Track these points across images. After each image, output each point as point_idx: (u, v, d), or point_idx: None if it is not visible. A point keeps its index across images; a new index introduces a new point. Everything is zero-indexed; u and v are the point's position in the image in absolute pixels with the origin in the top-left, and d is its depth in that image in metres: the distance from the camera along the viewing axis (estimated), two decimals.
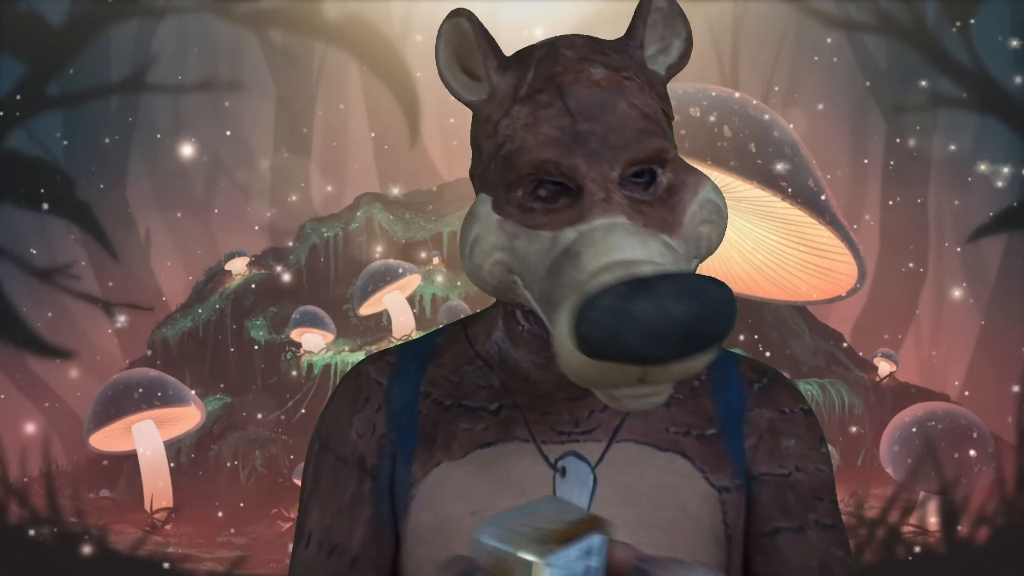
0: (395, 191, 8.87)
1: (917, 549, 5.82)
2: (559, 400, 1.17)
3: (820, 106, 9.00)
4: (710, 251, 1.13)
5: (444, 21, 1.17)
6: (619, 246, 1.00)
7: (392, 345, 1.30)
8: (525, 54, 1.16)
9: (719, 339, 0.94)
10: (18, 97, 8.46)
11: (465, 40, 1.15)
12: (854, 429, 7.52)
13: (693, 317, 0.92)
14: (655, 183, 1.09)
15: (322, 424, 1.26)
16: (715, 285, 0.94)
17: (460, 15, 1.15)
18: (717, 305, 0.93)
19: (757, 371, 1.26)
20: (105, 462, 7.06)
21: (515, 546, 0.82)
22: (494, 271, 1.10)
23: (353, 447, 1.21)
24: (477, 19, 1.15)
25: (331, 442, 1.23)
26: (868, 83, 9.30)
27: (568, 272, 1.00)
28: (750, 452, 1.20)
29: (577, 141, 1.06)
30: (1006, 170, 8.30)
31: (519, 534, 0.84)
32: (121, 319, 8.69)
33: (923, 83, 8.88)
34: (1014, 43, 8.58)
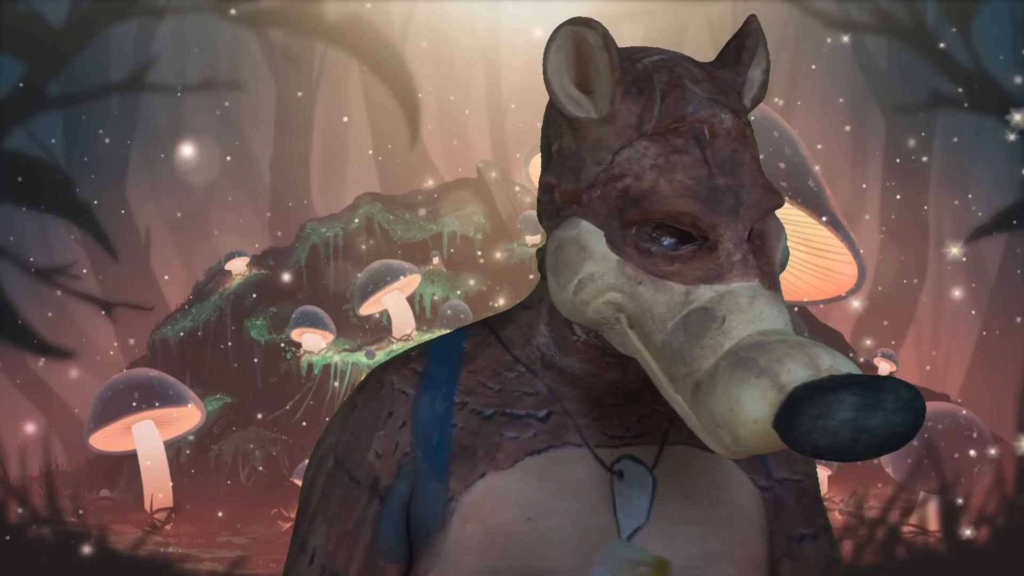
0: (395, 191, 8.87)
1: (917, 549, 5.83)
2: (608, 405, 1.18)
3: (820, 106, 9.00)
4: None
5: (564, 26, 1.08)
6: (764, 315, 1.03)
7: (412, 345, 1.26)
8: (642, 79, 1.10)
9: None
10: (17, 93, 8.46)
11: (581, 51, 1.09)
12: None
13: (910, 428, 0.98)
14: (751, 230, 1.09)
15: (340, 437, 1.22)
16: (919, 396, 0.99)
17: (589, 26, 1.07)
18: (922, 415, 1.00)
19: None
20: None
21: None
22: (602, 309, 1.08)
23: (369, 468, 1.18)
24: (611, 36, 1.07)
25: (347, 460, 1.20)
26: (868, 83, 9.31)
27: (712, 335, 1.01)
28: (771, 457, 1.24)
29: (715, 196, 1.06)
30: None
31: None
32: (121, 319, 8.69)
33: (922, 83, 8.88)
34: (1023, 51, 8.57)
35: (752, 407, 0.97)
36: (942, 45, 8.64)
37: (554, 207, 1.13)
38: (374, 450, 1.18)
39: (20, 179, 8.48)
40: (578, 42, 1.08)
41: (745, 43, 1.14)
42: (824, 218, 5.27)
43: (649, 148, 1.07)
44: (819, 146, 7.20)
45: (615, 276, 1.07)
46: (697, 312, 1.03)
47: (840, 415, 0.95)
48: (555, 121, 1.14)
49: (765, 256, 1.09)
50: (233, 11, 8.65)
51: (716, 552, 1.16)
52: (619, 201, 1.07)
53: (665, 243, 1.06)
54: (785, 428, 0.96)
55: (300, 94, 9.41)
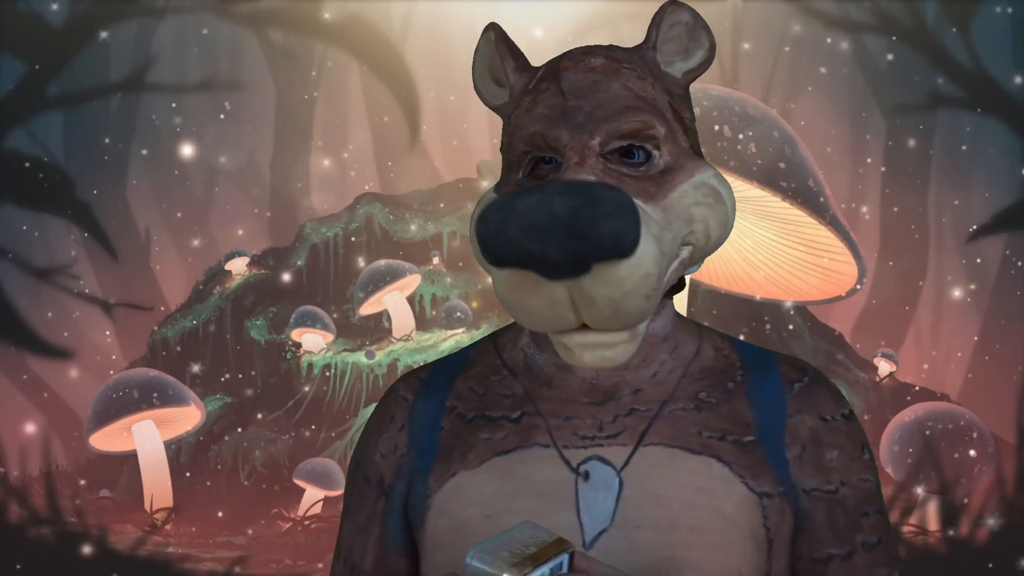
0: (395, 191, 8.87)
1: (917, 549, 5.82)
2: (582, 405, 1.18)
3: (820, 106, 9.00)
4: (708, 237, 1.14)
5: (480, 38, 1.22)
6: None
7: (425, 362, 1.34)
8: (542, 63, 1.22)
9: (608, 239, 0.95)
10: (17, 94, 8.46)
11: (494, 52, 1.21)
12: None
13: (573, 210, 0.93)
14: (650, 163, 1.12)
15: (359, 443, 1.32)
16: (608, 188, 0.95)
17: (489, 29, 1.21)
18: (604, 204, 0.94)
19: (797, 369, 1.25)
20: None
21: (498, 568, 0.95)
22: None
23: (377, 467, 1.26)
24: (502, 29, 1.21)
25: (362, 462, 1.29)
26: (868, 83, 9.31)
27: None
28: (795, 463, 1.17)
29: (565, 116, 1.11)
30: None
31: (501, 558, 0.96)
32: (121, 319, 8.69)
33: (922, 83, 8.88)
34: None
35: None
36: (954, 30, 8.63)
37: None
38: (380, 451, 1.26)
39: (20, 179, 8.48)
40: (491, 46, 1.20)
41: (655, 18, 1.21)
42: (824, 218, 5.26)
43: (525, 100, 1.17)
44: (819, 146, 7.20)
45: None
46: None
47: (493, 203, 0.96)
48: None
49: (656, 183, 1.10)
50: None
51: (680, 558, 1.10)
52: (507, 152, 1.18)
53: (540, 177, 1.12)
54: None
55: (300, 95, 9.41)
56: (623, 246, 0.96)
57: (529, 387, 1.20)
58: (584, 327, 1.04)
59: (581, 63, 1.15)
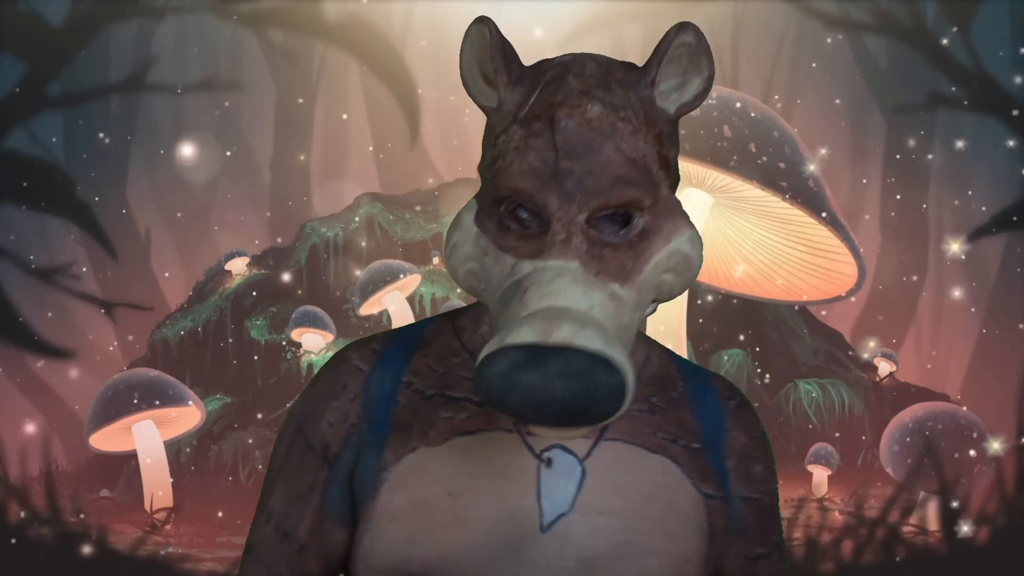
0: (395, 191, 8.87)
1: (917, 549, 5.83)
2: None
3: (820, 106, 9.00)
4: (671, 295, 1.19)
5: (472, 25, 1.18)
6: (562, 292, 1.06)
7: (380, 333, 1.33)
8: (539, 73, 1.18)
9: (599, 420, 1.02)
10: (18, 92, 8.46)
11: (486, 47, 1.18)
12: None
13: (572, 396, 0.99)
14: (630, 225, 1.13)
15: (301, 406, 1.29)
16: (605, 371, 1.00)
17: (482, 22, 1.17)
18: (601, 391, 1.00)
19: (729, 388, 1.34)
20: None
21: None
22: (467, 278, 1.17)
23: (322, 435, 1.24)
24: (497, 30, 1.17)
25: (305, 427, 1.26)
26: (868, 83, 9.31)
27: (513, 305, 1.08)
28: (732, 473, 1.28)
29: (555, 178, 1.11)
30: None
31: None
32: (121, 319, 8.69)
33: (922, 83, 8.90)
34: (1022, 51, 8.58)
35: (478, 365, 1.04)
36: (944, 42, 8.64)
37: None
38: (327, 419, 1.25)
39: (20, 179, 8.48)
40: (483, 39, 1.16)
41: (658, 48, 1.18)
42: (824, 218, 5.26)
43: (516, 132, 1.14)
44: (819, 146, 7.20)
45: (471, 246, 1.16)
46: (512, 285, 1.10)
47: (494, 367, 1.00)
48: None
49: (633, 253, 1.12)
50: None
51: (639, 543, 1.17)
52: (491, 180, 1.15)
53: (524, 224, 1.13)
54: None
55: (300, 95, 9.41)
56: (609, 419, 1.02)
57: None
58: None
59: (576, 110, 1.12)
